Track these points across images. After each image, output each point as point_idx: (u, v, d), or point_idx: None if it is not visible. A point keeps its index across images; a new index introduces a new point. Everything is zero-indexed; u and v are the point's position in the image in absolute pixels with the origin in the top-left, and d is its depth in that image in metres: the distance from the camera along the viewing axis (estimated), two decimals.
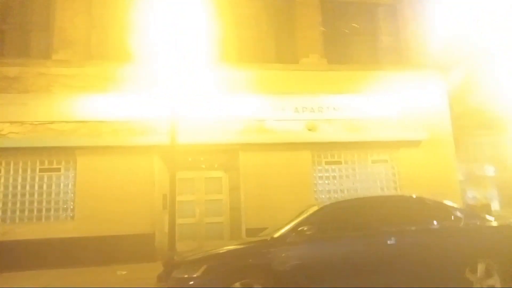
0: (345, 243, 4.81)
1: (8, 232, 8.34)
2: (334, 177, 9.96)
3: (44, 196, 8.74)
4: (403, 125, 10.29)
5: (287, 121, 9.84)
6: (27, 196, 8.69)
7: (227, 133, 9.47)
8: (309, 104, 9.99)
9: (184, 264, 4.64)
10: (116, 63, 9.25)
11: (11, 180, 8.69)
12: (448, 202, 5.65)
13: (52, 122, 8.94)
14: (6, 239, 8.19)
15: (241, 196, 9.39)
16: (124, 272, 7.67)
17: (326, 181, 9.92)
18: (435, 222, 5.08)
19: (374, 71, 10.44)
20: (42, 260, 8.03)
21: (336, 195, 9.84)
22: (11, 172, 8.73)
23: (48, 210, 8.71)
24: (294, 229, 4.79)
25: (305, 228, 4.67)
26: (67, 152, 8.89)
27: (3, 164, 8.74)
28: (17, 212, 8.59)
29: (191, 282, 4.36)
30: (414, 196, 5.50)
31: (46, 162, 8.89)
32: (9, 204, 8.59)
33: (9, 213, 8.56)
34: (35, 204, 8.68)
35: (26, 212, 8.61)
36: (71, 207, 8.77)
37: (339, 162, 10.06)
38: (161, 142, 8.86)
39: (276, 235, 4.86)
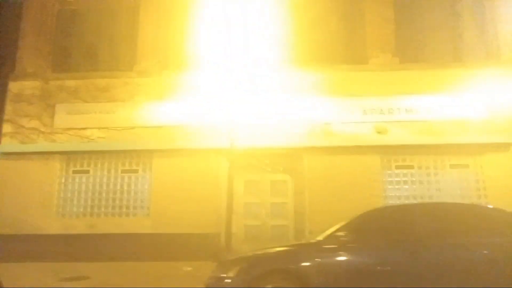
0: (381, 252, 4.49)
1: (94, 226, 9.37)
2: (405, 182, 9.35)
3: (125, 194, 9.64)
4: (489, 127, 9.27)
5: (355, 123, 9.52)
6: (111, 194, 9.65)
7: (292, 136, 9.47)
8: (378, 106, 9.55)
9: (222, 264, 4.77)
10: (188, 71, 9.87)
11: (98, 179, 9.75)
12: None
13: (133, 127, 9.82)
14: (91, 232, 9.19)
15: (306, 200, 9.30)
16: (189, 269, 8.08)
17: (397, 186, 9.34)
18: (491, 235, 4.50)
19: (454, 69, 9.64)
20: (120, 253, 8.82)
21: (408, 202, 9.22)
22: (98, 172, 9.79)
23: (127, 207, 9.58)
24: (331, 234, 4.63)
25: (341, 234, 4.48)
26: (145, 154, 9.70)
27: (92, 165, 9.84)
28: (102, 208, 9.59)
29: (225, 281, 4.47)
30: (476, 205, 4.95)
31: (127, 164, 9.80)
32: (96, 201, 9.63)
33: (95, 209, 9.60)
34: (117, 201, 9.61)
35: (109, 209, 9.57)
36: (147, 205, 9.53)
37: (411, 167, 9.41)
38: (227, 145, 9.21)
39: (314, 240, 4.74)
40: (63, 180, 9.71)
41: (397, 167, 9.46)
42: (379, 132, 9.41)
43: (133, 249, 8.87)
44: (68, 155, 9.81)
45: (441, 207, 5.27)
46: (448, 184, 9.25)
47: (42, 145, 9.77)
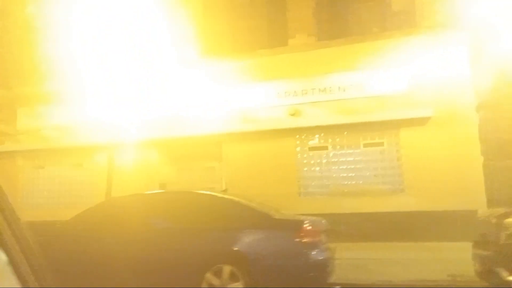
0: (91, 242, 4.89)
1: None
2: (320, 164, 9.34)
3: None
4: (406, 102, 8.83)
5: (270, 108, 9.63)
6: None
7: (212, 125, 9.82)
8: (293, 88, 9.54)
9: None
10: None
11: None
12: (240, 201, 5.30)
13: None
14: None
15: (225, 187, 9.70)
16: None
17: (312, 168, 9.38)
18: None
19: (373, 42, 9.23)
20: None
21: (322, 182, 9.26)
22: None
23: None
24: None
25: (70, 223, 4.99)
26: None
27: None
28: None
29: None
30: (195, 193, 5.35)
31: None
32: None
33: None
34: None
35: None
36: None
37: (325, 148, 9.35)
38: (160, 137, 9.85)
39: None
40: None
41: (311, 149, 9.45)
42: (292, 115, 9.44)
43: None
44: None
45: (167, 196, 5.72)
46: (363, 163, 9.07)
47: None
